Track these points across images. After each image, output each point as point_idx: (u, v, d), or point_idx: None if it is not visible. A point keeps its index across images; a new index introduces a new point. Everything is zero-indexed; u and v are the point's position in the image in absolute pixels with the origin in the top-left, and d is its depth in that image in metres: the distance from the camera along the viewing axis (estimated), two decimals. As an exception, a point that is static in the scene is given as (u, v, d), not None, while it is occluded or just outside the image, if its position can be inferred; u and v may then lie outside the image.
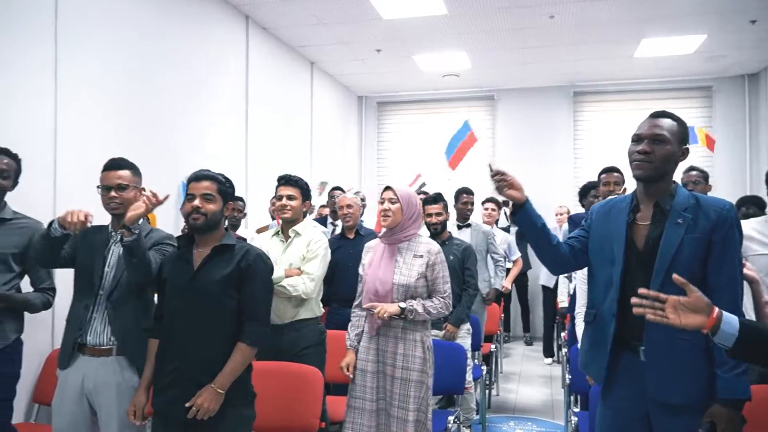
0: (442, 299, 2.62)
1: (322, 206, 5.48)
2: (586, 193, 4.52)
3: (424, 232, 3.80)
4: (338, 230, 5.00)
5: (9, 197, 2.57)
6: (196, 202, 2.12)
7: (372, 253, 2.72)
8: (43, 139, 3.12)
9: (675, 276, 1.49)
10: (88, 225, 2.17)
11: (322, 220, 5.25)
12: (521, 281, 6.82)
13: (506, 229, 6.15)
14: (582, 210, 4.65)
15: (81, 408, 2.23)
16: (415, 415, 2.50)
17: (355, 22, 5.40)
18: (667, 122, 1.87)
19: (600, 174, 3.82)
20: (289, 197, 2.96)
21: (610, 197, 2.18)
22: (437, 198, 3.86)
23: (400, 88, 7.92)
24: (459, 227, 4.57)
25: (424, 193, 4.95)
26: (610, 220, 1.96)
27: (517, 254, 5.60)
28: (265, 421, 2.31)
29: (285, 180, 3.01)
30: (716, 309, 1.42)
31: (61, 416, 2.25)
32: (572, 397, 3.41)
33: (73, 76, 3.28)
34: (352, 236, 3.89)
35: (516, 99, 7.77)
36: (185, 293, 2.10)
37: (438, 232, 3.79)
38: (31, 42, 3.04)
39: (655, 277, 1.80)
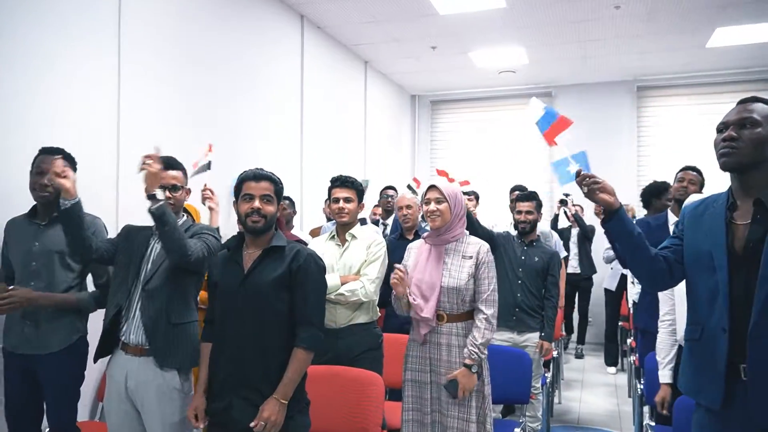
0: (485, 320, 2.39)
1: (376, 206, 5.39)
2: (659, 194, 4.22)
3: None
4: (388, 230, 4.91)
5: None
6: (256, 203, 2.03)
7: (416, 254, 2.57)
8: (106, 138, 3.15)
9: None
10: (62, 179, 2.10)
11: (375, 222, 5.17)
12: (585, 285, 6.18)
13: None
14: (645, 212, 4.38)
15: (128, 406, 2.20)
16: (477, 427, 2.37)
17: (410, 19, 5.30)
18: (757, 105, 1.65)
19: (677, 173, 3.56)
20: (346, 200, 2.85)
21: (704, 196, 1.93)
22: (530, 195, 3.69)
23: (454, 86, 7.77)
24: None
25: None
26: (705, 221, 1.73)
27: (563, 253, 5.25)
28: (327, 427, 2.24)
29: (340, 182, 2.88)
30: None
31: (112, 415, 2.23)
32: (644, 409, 3.20)
33: (134, 77, 3.31)
34: (411, 237, 3.77)
35: (575, 95, 7.47)
36: (236, 296, 2.03)
37: (526, 231, 3.63)
38: (94, 41, 3.07)
39: (760, 286, 1.56)
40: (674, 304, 2.70)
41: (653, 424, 2.93)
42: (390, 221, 5.18)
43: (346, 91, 6.19)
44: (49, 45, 2.82)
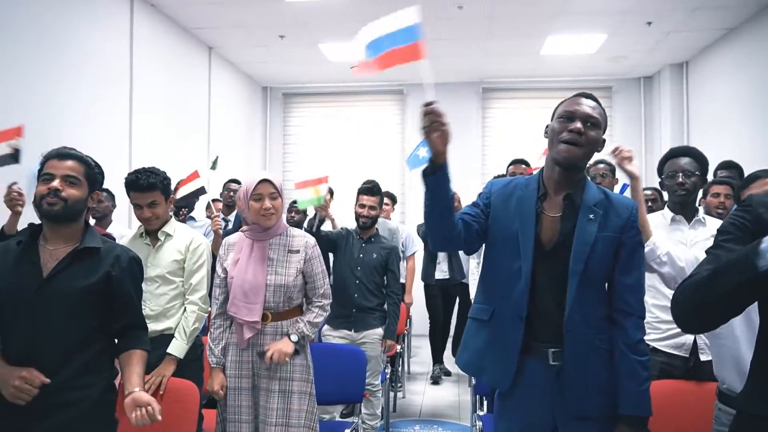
0: (319, 307, 2.38)
1: (215, 200, 5.00)
2: None
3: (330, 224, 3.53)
4: (231, 225, 4.60)
5: None
6: (55, 183, 1.72)
7: (235, 251, 2.36)
8: None
9: None
10: None
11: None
12: (460, 292, 5.21)
13: None
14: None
15: None
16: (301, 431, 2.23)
17: (255, 3, 5.02)
18: (597, 106, 1.70)
19: (508, 166, 3.72)
20: (151, 204, 2.48)
21: (511, 177, 1.96)
22: (375, 189, 3.58)
23: (307, 80, 7.57)
24: None
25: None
26: (514, 204, 1.73)
27: (413, 248, 5.05)
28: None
29: (137, 187, 2.47)
30: None
31: None
32: (477, 398, 3.27)
33: None
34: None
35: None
36: (31, 305, 1.67)
37: (367, 226, 3.54)
38: None
39: (571, 278, 1.62)
40: None
41: (483, 413, 2.99)
42: (232, 217, 4.87)
43: (186, 77, 5.73)
44: None
